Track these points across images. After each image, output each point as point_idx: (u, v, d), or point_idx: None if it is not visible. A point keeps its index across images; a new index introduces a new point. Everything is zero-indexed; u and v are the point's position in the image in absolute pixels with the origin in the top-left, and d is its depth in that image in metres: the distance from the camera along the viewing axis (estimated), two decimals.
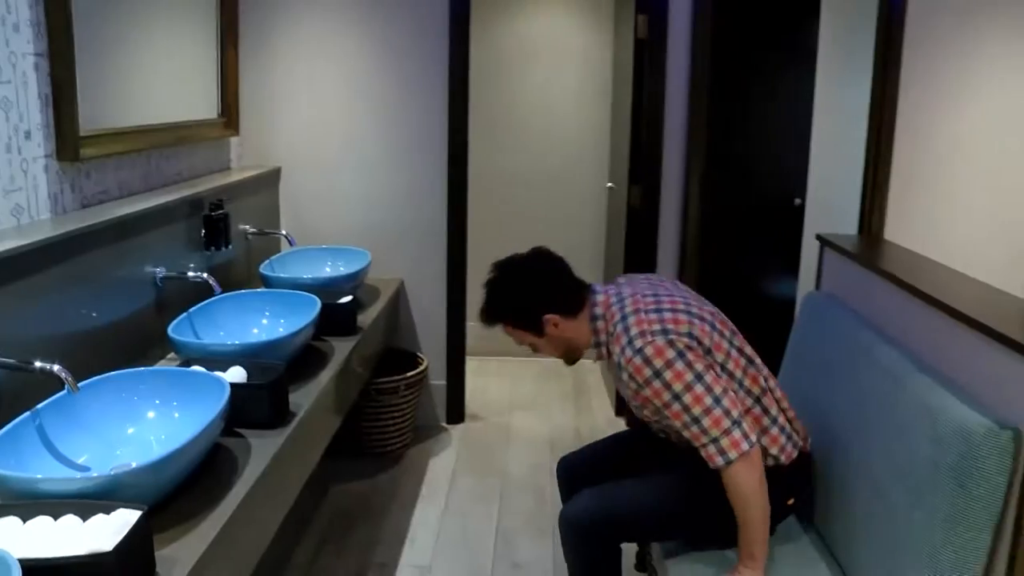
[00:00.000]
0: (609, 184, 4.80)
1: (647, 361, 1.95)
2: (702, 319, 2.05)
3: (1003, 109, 3.87)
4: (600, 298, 2.19)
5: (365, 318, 3.19)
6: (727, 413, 1.93)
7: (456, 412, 4.14)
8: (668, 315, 2.03)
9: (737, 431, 1.92)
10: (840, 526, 2.09)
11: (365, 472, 3.61)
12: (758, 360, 2.16)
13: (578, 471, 2.41)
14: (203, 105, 3.33)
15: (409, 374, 3.69)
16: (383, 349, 3.60)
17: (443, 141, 3.85)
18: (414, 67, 3.79)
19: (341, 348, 2.82)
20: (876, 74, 3.89)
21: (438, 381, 4.10)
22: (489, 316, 2.29)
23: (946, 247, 3.74)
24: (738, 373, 2.06)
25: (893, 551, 1.81)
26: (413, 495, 3.44)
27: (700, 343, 2.00)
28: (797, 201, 4.16)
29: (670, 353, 1.94)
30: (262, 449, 2.00)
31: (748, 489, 1.92)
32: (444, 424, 4.14)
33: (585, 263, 5.16)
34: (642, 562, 2.90)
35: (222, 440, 2.00)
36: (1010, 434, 1.60)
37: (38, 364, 1.81)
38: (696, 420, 1.93)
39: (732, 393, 1.98)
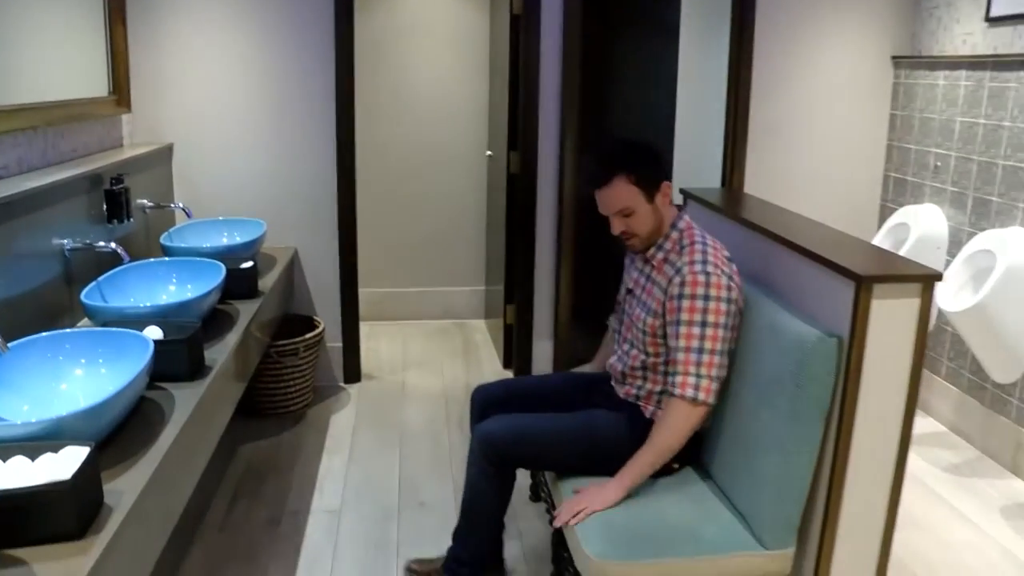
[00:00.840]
0: (488, 152, 5.04)
1: (707, 283, 2.19)
2: (741, 297, 2.31)
3: (844, 74, 4.33)
4: (686, 217, 2.40)
5: (264, 283, 3.35)
6: (721, 367, 2.20)
7: (353, 372, 4.35)
8: (733, 269, 2.30)
9: (715, 384, 2.19)
10: (709, 440, 2.42)
11: (270, 431, 3.79)
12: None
13: (493, 399, 2.64)
14: (94, 83, 3.39)
15: (307, 336, 3.86)
16: (281, 314, 3.76)
17: (331, 116, 4.01)
18: (302, 44, 3.93)
19: (245, 310, 2.98)
20: (732, 45, 4.29)
21: (334, 343, 4.28)
22: (617, 162, 2.29)
23: (798, 197, 4.18)
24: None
25: (748, 447, 2.15)
26: (318, 449, 3.63)
27: (738, 311, 2.27)
28: None
29: (724, 292, 2.20)
30: (184, 399, 2.17)
31: (681, 427, 2.18)
32: (342, 384, 4.34)
33: (468, 229, 5.41)
34: (536, 493, 3.19)
35: (146, 393, 2.16)
36: (835, 341, 1.95)
37: None
38: (700, 351, 2.18)
39: (726, 357, 2.23)
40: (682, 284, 2.22)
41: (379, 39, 5.10)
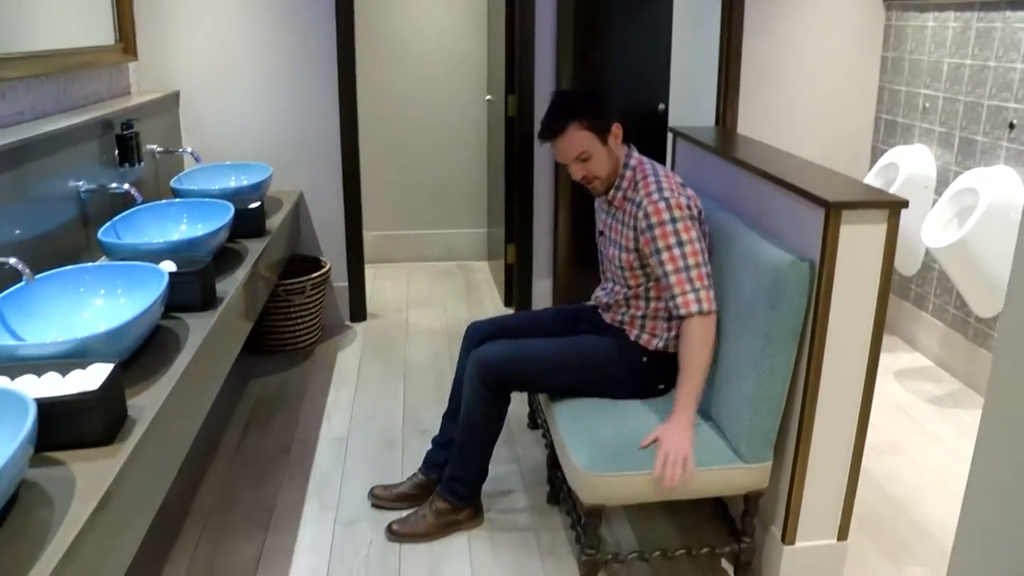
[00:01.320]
0: (488, 97, 5.12)
1: (669, 207, 2.32)
2: (703, 212, 2.45)
3: (836, 16, 4.39)
4: (635, 154, 2.52)
5: (271, 224, 3.48)
6: (708, 276, 2.32)
7: (358, 311, 4.50)
8: (689, 191, 2.43)
9: (711, 291, 2.31)
10: None
11: (280, 367, 3.95)
12: None
13: (486, 335, 2.78)
14: (101, 31, 3.49)
15: (314, 275, 4.00)
16: (288, 255, 3.90)
17: (333, 62, 4.11)
18: None
19: (253, 248, 3.12)
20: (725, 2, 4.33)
21: (340, 283, 4.43)
22: (569, 111, 2.42)
23: (791, 138, 4.28)
24: None
25: (726, 367, 2.30)
26: (325, 382, 3.79)
27: (702, 224, 2.41)
28: (661, 107, 4.58)
29: (686, 212, 2.33)
30: (198, 327, 2.31)
31: (705, 340, 2.29)
32: (348, 323, 4.49)
33: (470, 172, 5.52)
34: (533, 421, 3.35)
35: (161, 322, 2.30)
36: (807, 264, 2.09)
37: None
38: (687, 268, 2.30)
39: (708, 267, 2.36)
40: (647, 216, 2.35)
41: None
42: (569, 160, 2.47)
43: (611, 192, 2.53)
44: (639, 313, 2.51)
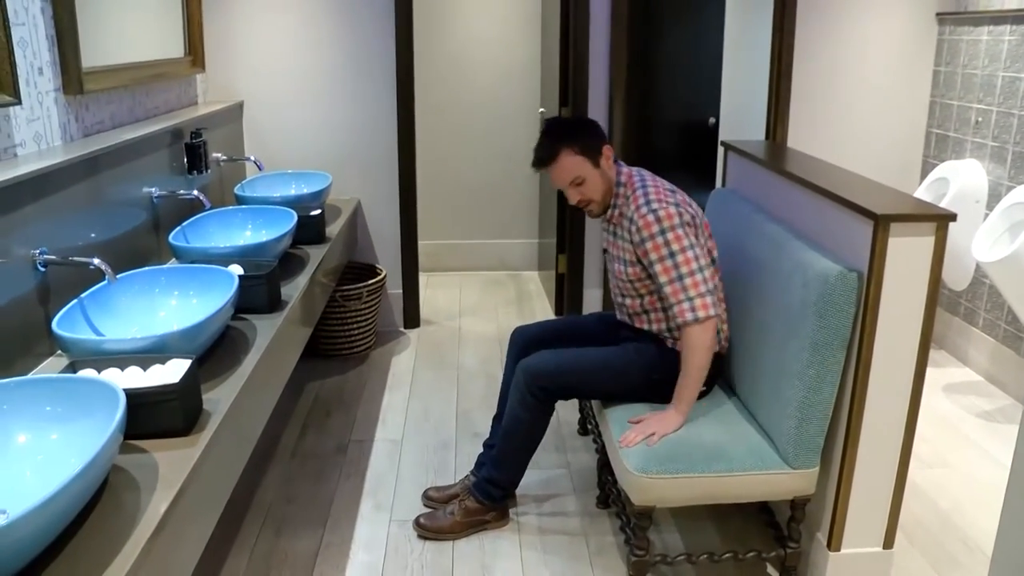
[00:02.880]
0: (541, 109, 5.21)
1: (658, 219, 2.40)
2: (697, 214, 2.52)
3: (888, 31, 4.41)
4: (624, 170, 2.60)
5: (330, 231, 3.61)
6: (704, 281, 2.39)
7: (412, 318, 4.61)
8: (680, 197, 2.50)
9: (709, 297, 2.38)
10: (741, 369, 2.61)
11: (336, 371, 4.06)
12: (717, 262, 2.62)
13: (531, 339, 2.87)
14: (172, 45, 3.64)
15: (370, 282, 4.12)
16: (346, 261, 4.02)
17: (391, 74, 4.23)
18: (363, 5, 4.14)
19: (314, 254, 3.24)
20: (776, 5, 4.39)
21: (395, 290, 4.54)
22: (557, 139, 2.51)
23: (842, 152, 4.31)
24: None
25: (775, 374, 2.35)
26: (380, 387, 3.90)
27: (696, 227, 2.47)
28: (712, 121, 4.64)
29: (676, 219, 2.40)
30: (265, 328, 2.43)
31: (701, 346, 2.37)
32: (402, 329, 4.60)
33: (522, 184, 5.61)
34: (583, 427, 3.42)
35: (230, 323, 2.42)
36: (855, 275, 2.14)
37: (80, 259, 2.19)
38: (681, 278, 2.38)
39: (708, 270, 2.43)
40: (638, 230, 2.43)
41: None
42: (564, 185, 2.56)
43: (608, 212, 2.61)
44: (664, 327, 2.60)
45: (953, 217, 2.10)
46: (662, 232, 2.39)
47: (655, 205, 2.42)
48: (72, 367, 1.87)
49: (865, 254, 2.15)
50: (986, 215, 3.94)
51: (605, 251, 2.76)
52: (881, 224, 2.08)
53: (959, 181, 3.98)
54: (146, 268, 2.43)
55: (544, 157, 2.54)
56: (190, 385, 1.83)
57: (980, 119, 4.07)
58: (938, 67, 4.43)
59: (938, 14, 4.39)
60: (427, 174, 5.32)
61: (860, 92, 4.48)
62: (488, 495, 2.78)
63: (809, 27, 4.35)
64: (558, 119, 2.64)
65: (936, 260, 2.11)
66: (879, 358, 2.20)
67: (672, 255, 2.39)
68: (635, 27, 4.30)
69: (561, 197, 4.65)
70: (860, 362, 2.20)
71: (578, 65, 4.30)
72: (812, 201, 2.50)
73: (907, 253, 2.11)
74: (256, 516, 2.89)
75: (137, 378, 1.83)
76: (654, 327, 2.61)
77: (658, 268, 2.41)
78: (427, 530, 2.78)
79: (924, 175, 4.53)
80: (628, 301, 2.65)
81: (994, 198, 3.92)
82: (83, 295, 2.18)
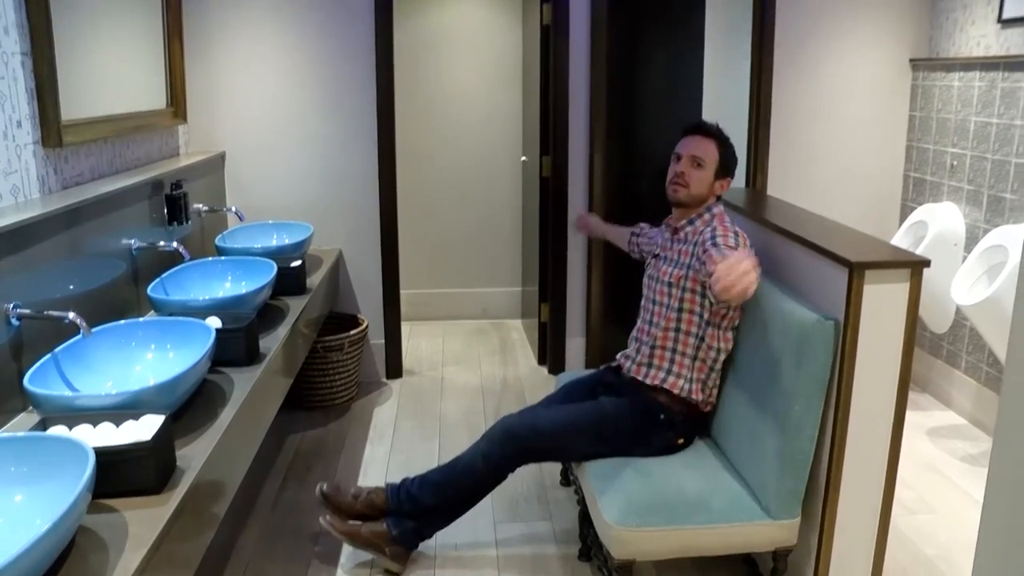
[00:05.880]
0: (523, 157, 5.25)
1: (736, 235, 2.48)
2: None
3: (864, 77, 4.49)
4: (721, 207, 2.70)
5: (311, 282, 3.60)
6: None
7: (395, 367, 4.58)
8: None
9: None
10: (721, 419, 2.60)
11: (317, 422, 4.03)
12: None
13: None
14: (154, 96, 3.66)
15: (352, 332, 4.10)
16: (327, 312, 4.01)
17: (372, 123, 4.25)
18: (344, 55, 4.19)
19: (295, 305, 3.23)
20: (754, 49, 4.46)
21: (377, 340, 4.52)
22: (720, 134, 2.71)
23: (821, 198, 4.35)
24: (727, 321, 2.58)
25: (754, 423, 2.34)
26: (362, 438, 3.87)
27: None
28: None
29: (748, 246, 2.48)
30: (242, 381, 2.41)
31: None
32: (384, 379, 4.57)
33: (505, 231, 5.63)
34: (566, 479, 3.39)
35: (208, 376, 2.39)
36: (832, 323, 2.14)
37: (55, 313, 2.18)
38: (736, 245, 2.44)
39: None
40: (712, 234, 2.48)
41: (416, 48, 5.34)
42: (691, 154, 2.66)
43: (683, 223, 2.68)
44: (668, 348, 2.59)
45: (927, 263, 2.11)
46: (736, 234, 2.48)
47: (738, 231, 2.53)
48: (43, 424, 1.85)
49: (841, 302, 2.16)
50: (964, 257, 3.97)
51: (656, 256, 2.80)
52: (856, 272, 2.10)
53: (937, 224, 4.02)
54: (123, 321, 2.41)
55: (707, 128, 2.71)
56: (163, 442, 1.81)
57: (955, 163, 4.12)
58: (913, 112, 4.50)
59: (911, 60, 4.46)
60: (409, 223, 5.34)
61: (839, 137, 4.53)
62: (403, 532, 2.75)
63: (787, 73, 4.42)
64: (726, 135, 2.77)
65: (912, 306, 2.13)
66: (858, 405, 2.19)
67: (737, 246, 2.43)
68: (614, 73, 4.35)
69: (544, 243, 4.65)
70: (839, 410, 2.19)
71: (558, 113, 4.34)
72: (790, 249, 2.52)
73: (883, 300, 2.12)
74: (235, 570, 2.84)
75: (109, 435, 1.81)
76: (654, 359, 2.61)
77: (719, 241, 2.43)
78: (330, 519, 2.79)
79: (903, 218, 4.57)
80: (656, 332, 2.63)
81: (971, 240, 3.95)
82: (57, 349, 2.16)
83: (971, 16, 4.08)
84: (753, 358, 2.40)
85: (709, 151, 2.66)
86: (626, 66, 4.43)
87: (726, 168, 2.67)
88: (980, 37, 4.01)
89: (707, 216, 2.65)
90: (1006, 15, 3.80)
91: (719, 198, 2.72)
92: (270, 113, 4.23)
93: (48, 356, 2.12)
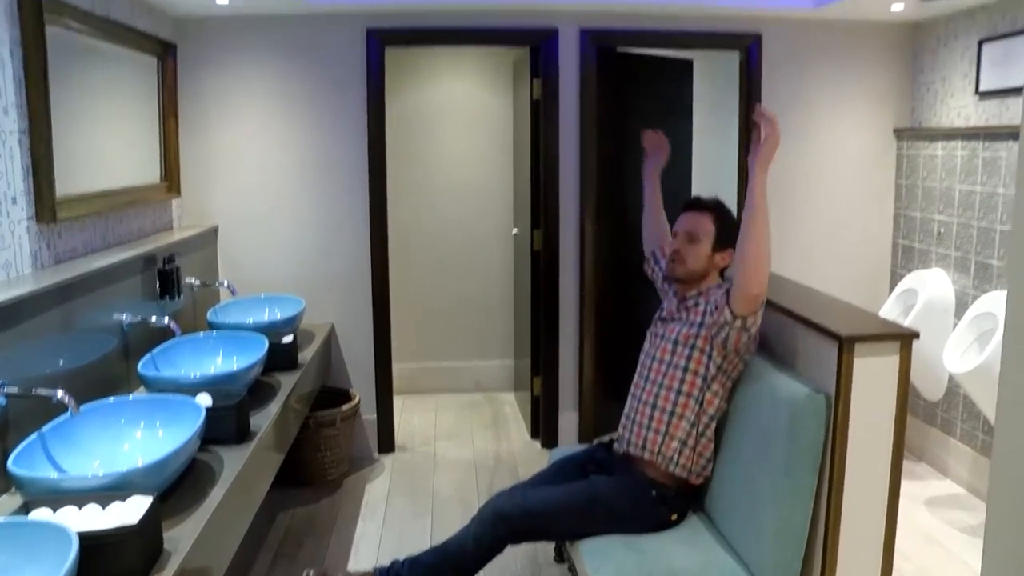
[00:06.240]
0: (514, 230, 5.29)
1: None
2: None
3: (850, 147, 4.57)
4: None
5: (303, 357, 3.59)
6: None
7: (387, 443, 4.54)
8: None
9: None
10: (715, 493, 2.57)
11: (309, 499, 3.97)
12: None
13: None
14: (148, 170, 3.70)
15: (343, 408, 4.07)
16: (319, 387, 3.98)
17: (364, 198, 4.30)
18: (337, 131, 4.25)
19: (286, 381, 3.21)
20: (742, 121, 4.53)
21: (369, 415, 4.48)
22: (717, 206, 2.74)
23: (812, 267, 4.38)
24: (724, 388, 2.57)
25: (748, 498, 2.32)
26: (354, 515, 3.81)
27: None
28: None
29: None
30: (232, 460, 2.39)
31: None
32: (376, 455, 4.53)
33: (497, 304, 5.64)
34: (559, 555, 3.33)
35: (197, 455, 2.37)
36: (823, 397, 2.14)
37: (43, 391, 2.16)
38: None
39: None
40: (725, 292, 2.49)
41: (409, 121, 5.41)
42: (682, 231, 2.70)
43: (692, 292, 2.69)
44: (666, 411, 2.57)
45: (916, 335, 2.12)
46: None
47: None
48: (26, 507, 1.82)
49: (832, 375, 2.16)
50: (955, 323, 3.99)
51: (661, 319, 2.79)
52: (846, 345, 2.10)
53: (926, 291, 4.05)
54: (112, 399, 2.40)
55: (701, 203, 2.75)
56: (150, 525, 1.78)
57: (942, 230, 4.16)
58: (900, 180, 4.56)
59: (895, 130, 4.54)
60: (401, 295, 5.34)
61: (828, 206, 4.59)
62: None
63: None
64: (727, 207, 2.80)
65: (903, 379, 2.13)
66: (852, 479, 2.18)
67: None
68: (604, 145, 4.41)
69: (536, 316, 4.66)
70: (833, 483, 2.18)
71: (548, 186, 4.39)
72: (780, 322, 2.53)
73: (873, 373, 2.13)
74: None
75: (95, 518, 1.78)
76: (649, 432, 2.59)
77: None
78: None
79: (893, 285, 4.60)
80: (657, 391, 2.61)
81: (961, 307, 3.97)
82: (44, 428, 2.14)
83: (950, 88, 4.17)
84: (746, 432, 2.39)
85: (703, 225, 2.67)
86: (616, 138, 4.50)
87: (724, 239, 2.67)
88: (960, 108, 4.09)
89: (716, 287, 2.66)
90: (982, 88, 3.89)
91: (723, 272, 2.72)
92: (263, 187, 4.27)
93: (35, 435, 2.10)
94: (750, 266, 2.34)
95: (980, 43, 3.89)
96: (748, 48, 4.41)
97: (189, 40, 4.08)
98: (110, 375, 2.86)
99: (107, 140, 3.25)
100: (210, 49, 4.13)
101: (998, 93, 3.79)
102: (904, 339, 2.12)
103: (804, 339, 2.35)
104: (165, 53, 3.81)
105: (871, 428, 2.15)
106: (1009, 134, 3.66)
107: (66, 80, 2.81)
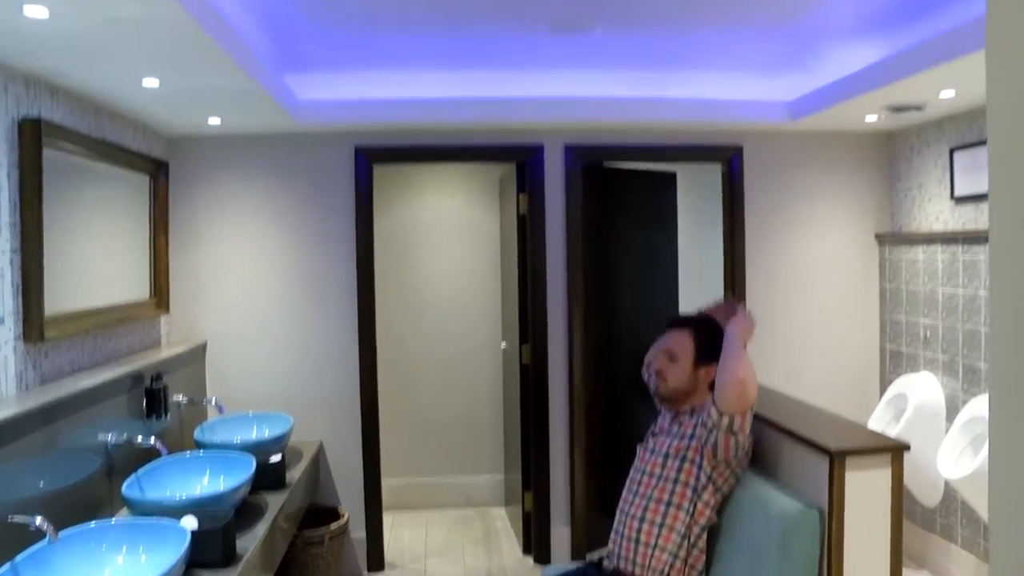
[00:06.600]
0: (503, 344, 5.29)
1: None
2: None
3: (833, 253, 4.63)
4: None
5: (291, 476, 3.54)
6: None
7: (376, 561, 4.42)
8: None
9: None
10: None
11: None
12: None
13: None
14: (138, 287, 3.71)
15: (332, 526, 3.99)
16: (307, 505, 3.91)
17: (353, 313, 4.31)
18: (325, 247, 4.29)
19: (274, 501, 3.16)
20: (726, 231, 4.61)
21: (358, 533, 4.38)
22: (695, 323, 2.75)
23: (800, 375, 4.38)
24: (714, 500, 2.54)
25: None
26: None
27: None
28: None
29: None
30: None
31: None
32: (366, 573, 4.40)
33: (486, 418, 5.59)
34: None
35: None
36: (816, 512, 2.11)
37: (20, 518, 2.11)
38: None
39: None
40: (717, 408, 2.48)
41: (397, 236, 5.47)
42: (663, 349, 2.71)
43: (684, 407, 2.68)
44: (656, 523, 2.52)
45: (907, 447, 2.11)
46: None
47: None
48: None
49: (824, 489, 2.14)
50: (947, 427, 3.97)
51: (654, 434, 2.77)
52: (836, 460, 2.09)
53: (917, 396, 4.04)
54: (92, 524, 2.34)
55: (679, 320, 2.79)
56: None
57: (928, 334, 4.19)
58: (883, 285, 4.61)
59: (876, 235, 4.62)
60: (390, 410, 5.30)
61: (814, 313, 4.62)
62: None
63: (759, 252, 4.55)
64: (711, 318, 2.79)
65: (896, 491, 2.11)
66: None
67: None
68: (590, 257, 4.46)
69: (525, 430, 4.62)
70: None
71: (536, 300, 4.41)
72: (770, 436, 2.52)
73: (866, 486, 2.11)
74: None
75: None
76: (641, 536, 2.54)
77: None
78: None
79: (883, 389, 4.60)
80: (647, 504, 2.58)
81: (952, 410, 3.96)
82: (18, 558, 2.08)
83: (927, 194, 4.27)
84: (738, 547, 2.34)
85: (682, 343, 2.68)
86: (602, 249, 4.56)
87: (705, 355, 2.66)
88: (938, 213, 4.18)
89: (709, 406, 2.63)
90: (957, 193, 3.98)
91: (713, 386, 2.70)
92: (252, 303, 4.28)
93: (7, 566, 2.04)
94: (730, 390, 2.38)
95: (951, 151, 4.00)
96: (730, 160, 4.53)
97: (181, 158, 4.17)
98: (93, 497, 2.81)
99: (98, 257, 3.27)
100: (202, 167, 4.21)
101: (973, 198, 3.88)
102: (895, 451, 2.11)
103: (794, 453, 2.34)
104: (157, 171, 3.88)
105: (867, 542, 2.12)
106: (986, 238, 3.72)
107: (60, 199, 2.86)
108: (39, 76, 2.75)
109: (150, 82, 2.95)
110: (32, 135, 2.64)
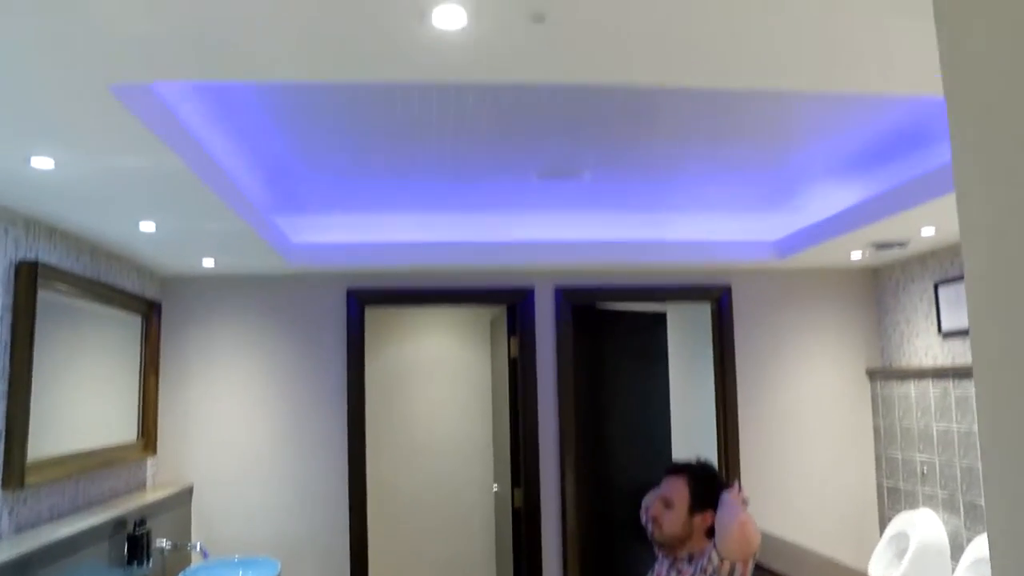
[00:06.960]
0: (495, 487, 5.20)
1: None
2: None
3: (825, 390, 4.62)
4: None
5: None
6: None
7: None
8: None
9: None
10: None
11: None
12: None
13: None
14: (125, 429, 3.67)
15: None
16: None
17: (343, 456, 4.25)
18: (316, 389, 4.28)
19: None
20: (717, 369, 4.62)
21: None
22: (691, 469, 2.64)
23: (796, 513, 4.30)
24: None
25: None
26: None
27: None
28: None
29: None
30: None
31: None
32: None
33: (479, 561, 5.44)
34: None
35: None
36: None
37: None
38: None
39: None
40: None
41: (389, 377, 5.48)
42: (660, 496, 2.62)
43: (682, 553, 2.59)
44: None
45: None
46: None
47: None
48: None
49: None
50: (953, 566, 3.86)
51: None
52: None
53: (918, 535, 3.95)
54: None
55: (676, 466, 2.68)
56: None
57: (926, 470, 4.13)
58: (877, 421, 4.58)
59: (867, 371, 4.62)
60: (381, 553, 5.15)
61: (809, 451, 4.57)
62: None
63: (750, 392, 4.54)
64: (703, 462, 2.74)
65: None
66: None
67: None
68: (582, 399, 4.45)
69: (518, 574, 4.49)
70: None
71: (528, 444, 4.37)
72: None
73: None
74: None
75: None
76: None
77: None
78: None
79: (882, 527, 4.49)
80: None
81: (956, 548, 3.86)
82: None
83: (915, 329, 4.30)
84: None
85: (677, 489, 2.60)
86: (594, 390, 4.55)
87: (701, 502, 2.57)
88: (927, 348, 4.20)
89: (711, 552, 2.55)
90: (944, 328, 4.01)
91: (711, 532, 2.65)
92: (241, 444, 4.23)
93: None
94: (732, 532, 2.35)
95: (936, 285, 4.06)
96: (719, 299, 4.58)
97: (174, 298, 4.21)
98: None
99: (87, 399, 3.26)
100: (194, 307, 4.25)
101: (960, 333, 3.91)
102: None
103: None
104: (150, 311, 3.91)
105: None
106: None
107: (51, 339, 2.87)
108: (39, 219, 2.82)
109: (147, 226, 3.02)
110: (28, 278, 2.68)
